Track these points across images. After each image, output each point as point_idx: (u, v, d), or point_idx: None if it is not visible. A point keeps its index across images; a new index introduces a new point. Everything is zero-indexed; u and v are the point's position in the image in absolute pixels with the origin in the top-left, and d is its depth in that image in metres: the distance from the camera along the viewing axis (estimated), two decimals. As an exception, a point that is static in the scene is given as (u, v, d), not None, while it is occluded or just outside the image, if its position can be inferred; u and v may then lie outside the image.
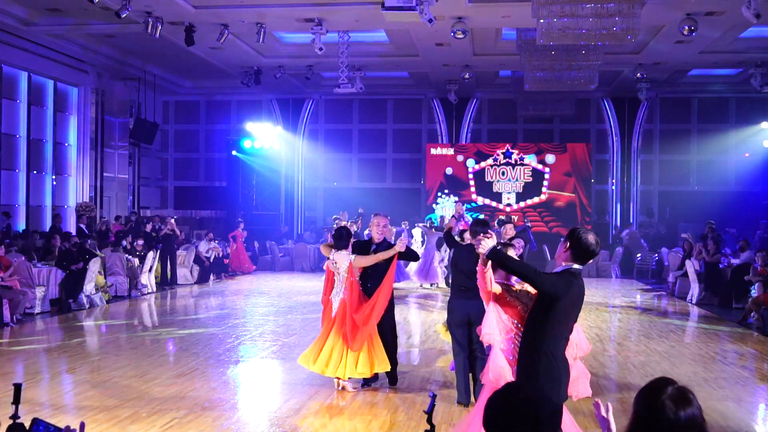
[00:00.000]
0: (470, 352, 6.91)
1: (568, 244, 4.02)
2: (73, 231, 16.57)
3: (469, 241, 7.03)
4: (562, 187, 21.92)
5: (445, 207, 21.97)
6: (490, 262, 4.25)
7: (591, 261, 4.35)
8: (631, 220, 22.35)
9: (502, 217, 16.62)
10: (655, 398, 2.39)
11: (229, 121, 24.07)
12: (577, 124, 22.68)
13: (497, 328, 4.61)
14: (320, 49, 14.52)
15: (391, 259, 7.11)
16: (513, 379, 4.47)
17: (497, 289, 4.50)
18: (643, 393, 2.45)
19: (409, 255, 7.50)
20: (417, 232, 18.45)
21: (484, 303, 4.68)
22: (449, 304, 7.08)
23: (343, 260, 7.14)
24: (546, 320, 3.94)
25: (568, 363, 4.10)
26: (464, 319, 6.82)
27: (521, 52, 14.73)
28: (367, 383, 7.47)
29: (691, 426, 2.35)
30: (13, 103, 17.08)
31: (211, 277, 18.31)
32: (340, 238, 7.29)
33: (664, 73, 19.71)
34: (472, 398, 6.77)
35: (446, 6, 13.22)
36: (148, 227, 17.25)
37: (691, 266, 14.81)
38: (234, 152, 23.31)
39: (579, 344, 4.52)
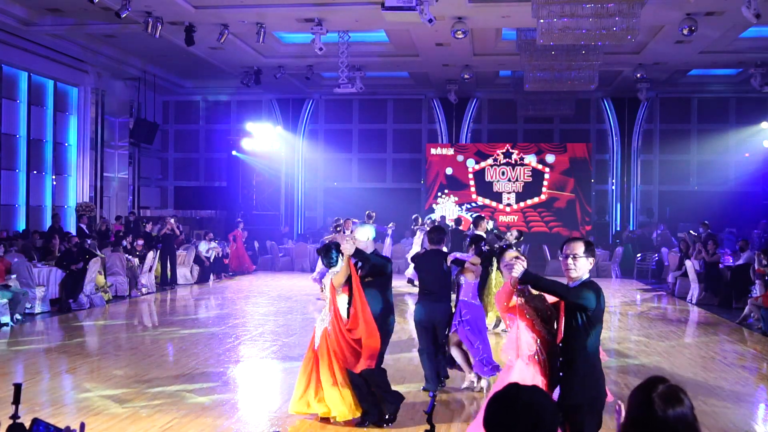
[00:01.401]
0: (435, 354, 7.10)
1: (593, 257, 4.19)
2: (73, 231, 16.58)
3: (430, 248, 7.23)
4: (562, 187, 21.91)
5: (445, 207, 21.97)
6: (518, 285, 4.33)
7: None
8: (633, 220, 22.36)
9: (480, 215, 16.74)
10: (645, 396, 2.41)
11: (229, 121, 24.07)
12: (577, 124, 22.67)
13: (515, 349, 4.64)
14: (320, 49, 14.52)
15: (358, 267, 6.25)
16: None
17: (513, 301, 4.54)
18: (635, 391, 2.48)
19: (365, 259, 6.22)
20: (417, 239, 16.77)
21: (502, 317, 4.80)
22: (415, 306, 7.20)
23: (328, 280, 6.35)
24: (586, 329, 4.08)
25: None
26: (430, 322, 7.00)
27: (521, 52, 14.73)
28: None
29: (681, 425, 2.35)
30: (13, 103, 17.08)
31: (211, 277, 18.30)
32: (327, 255, 6.29)
33: (664, 73, 19.70)
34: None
35: (446, 6, 13.22)
36: (148, 227, 17.23)
37: (691, 266, 14.81)
38: (234, 152, 23.32)
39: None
